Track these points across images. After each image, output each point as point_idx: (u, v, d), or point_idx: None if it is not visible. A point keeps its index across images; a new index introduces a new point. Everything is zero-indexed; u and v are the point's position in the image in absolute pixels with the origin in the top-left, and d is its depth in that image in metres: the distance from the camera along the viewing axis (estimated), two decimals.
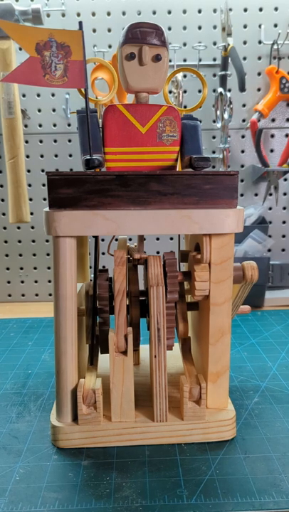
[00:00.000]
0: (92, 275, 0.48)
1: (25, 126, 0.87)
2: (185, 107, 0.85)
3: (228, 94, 0.85)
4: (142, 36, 0.41)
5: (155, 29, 0.41)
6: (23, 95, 0.86)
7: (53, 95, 0.87)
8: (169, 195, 0.41)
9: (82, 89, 0.41)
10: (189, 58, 0.86)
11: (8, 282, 0.96)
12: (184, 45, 0.85)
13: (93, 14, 0.84)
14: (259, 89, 0.89)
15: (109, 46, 0.84)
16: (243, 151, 0.91)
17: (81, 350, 0.50)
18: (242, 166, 0.92)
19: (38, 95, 0.87)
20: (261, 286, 0.87)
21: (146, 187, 0.40)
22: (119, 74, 0.44)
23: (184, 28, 0.85)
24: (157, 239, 0.95)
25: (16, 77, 0.38)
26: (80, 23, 0.39)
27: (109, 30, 0.84)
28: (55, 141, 0.89)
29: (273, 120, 0.90)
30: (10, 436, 0.47)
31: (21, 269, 0.95)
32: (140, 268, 0.51)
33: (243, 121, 0.90)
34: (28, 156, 0.89)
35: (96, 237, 0.48)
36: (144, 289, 0.50)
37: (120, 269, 0.43)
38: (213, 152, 0.90)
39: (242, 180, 0.92)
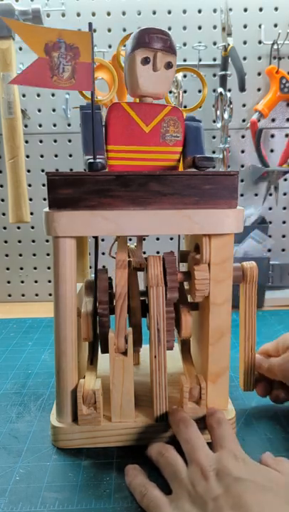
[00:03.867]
0: (93, 275, 0.48)
1: (25, 126, 0.87)
2: (185, 106, 0.85)
3: (228, 94, 0.85)
4: (158, 42, 0.41)
5: (168, 36, 0.42)
6: (23, 95, 0.86)
7: (52, 95, 0.87)
8: (169, 196, 0.41)
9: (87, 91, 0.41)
10: (189, 58, 0.86)
11: (8, 282, 0.96)
12: (184, 45, 0.85)
13: (93, 14, 0.84)
14: (259, 89, 0.89)
15: (109, 46, 0.84)
16: (243, 151, 0.91)
17: (81, 351, 0.50)
18: (242, 166, 0.92)
19: (38, 95, 0.87)
20: (261, 286, 0.87)
21: (146, 187, 0.40)
22: (126, 77, 0.44)
23: (184, 28, 0.85)
24: (157, 239, 0.95)
25: (24, 79, 0.37)
26: (90, 24, 0.38)
27: (109, 30, 0.84)
28: (55, 141, 0.89)
29: (273, 120, 0.90)
30: (10, 436, 0.47)
31: (21, 269, 0.95)
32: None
33: (243, 121, 0.90)
34: (28, 156, 0.89)
35: (96, 237, 0.48)
36: (144, 289, 0.50)
37: (122, 272, 0.43)
38: (213, 152, 0.90)
39: (242, 180, 0.92)
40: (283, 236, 0.95)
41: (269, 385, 0.51)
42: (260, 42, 0.86)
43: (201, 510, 0.33)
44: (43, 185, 0.91)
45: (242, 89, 0.82)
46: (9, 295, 0.97)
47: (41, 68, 0.37)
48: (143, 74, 0.42)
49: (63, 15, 0.83)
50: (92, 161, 0.40)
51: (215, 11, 0.84)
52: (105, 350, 0.46)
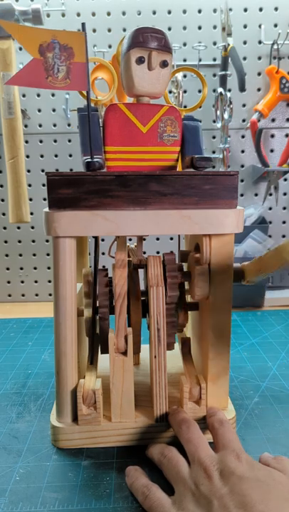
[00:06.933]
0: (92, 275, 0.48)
1: (25, 126, 0.87)
2: (185, 106, 0.85)
3: (228, 94, 0.85)
4: (152, 41, 0.41)
5: (163, 35, 0.42)
6: (23, 95, 0.86)
7: (53, 95, 0.87)
8: (168, 196, 0.41)
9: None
10: (189, 58, 0.86)
11: (8, 282, 0.96)
12: (184, 45, 0.85)
13: (93, 14, 0.84)
14: (259, 89, 0.89)
15: (109, 46, 0.84)
16: (243, 151, 0.91)
17: (81, 350, 0.50)
18: (242, 166, 0.92)
19: (38, 95, 0.87)
20: (261, 286, 0.87)
21: (146, 187, 0.40)
22: (122, 77, 0.44)
23: (184, 28, 0.85)
24: (157, 239, 0.95)
25: (18, 79, 0.37)
26: (83, 24, 0.39)
27: (109, 30, 0.84)
28: (55, 141, 0.89)
29: (273, 120, 0.90)
30: (10, 436, 0.47)
31: (21, 269, 0.95)
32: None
33: (243, 121, 0.90)
34: (28, 156, 0.88)
35: (96, 237, 0.48)
36: (144, 289, 0.50)
37: (121, 272, 0.43)
38: (213, 152, 0.90)
39: (242, 180, 0.92)
40: (283, 236, 0.95)
41: None
42: (260, 42, 0.86)
43: (206, 510, 0.33)
44: (43, 185, 0.91)
45: (242, 89, 0.82)
46: (9, 295, 0.97)
47: (36, 69, 0.38)
48: (138, 73, 0.42)
49: (63, 15, 0.83)
50: (89, 160, 0.40)
51: (215, 11, 0.84)
52: (105, 350, 0.46)
